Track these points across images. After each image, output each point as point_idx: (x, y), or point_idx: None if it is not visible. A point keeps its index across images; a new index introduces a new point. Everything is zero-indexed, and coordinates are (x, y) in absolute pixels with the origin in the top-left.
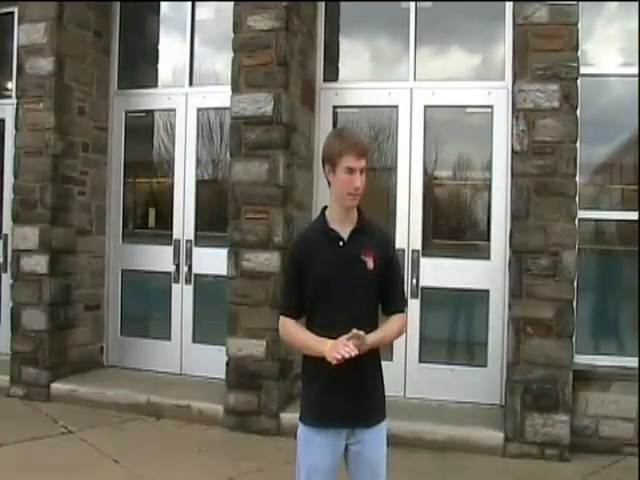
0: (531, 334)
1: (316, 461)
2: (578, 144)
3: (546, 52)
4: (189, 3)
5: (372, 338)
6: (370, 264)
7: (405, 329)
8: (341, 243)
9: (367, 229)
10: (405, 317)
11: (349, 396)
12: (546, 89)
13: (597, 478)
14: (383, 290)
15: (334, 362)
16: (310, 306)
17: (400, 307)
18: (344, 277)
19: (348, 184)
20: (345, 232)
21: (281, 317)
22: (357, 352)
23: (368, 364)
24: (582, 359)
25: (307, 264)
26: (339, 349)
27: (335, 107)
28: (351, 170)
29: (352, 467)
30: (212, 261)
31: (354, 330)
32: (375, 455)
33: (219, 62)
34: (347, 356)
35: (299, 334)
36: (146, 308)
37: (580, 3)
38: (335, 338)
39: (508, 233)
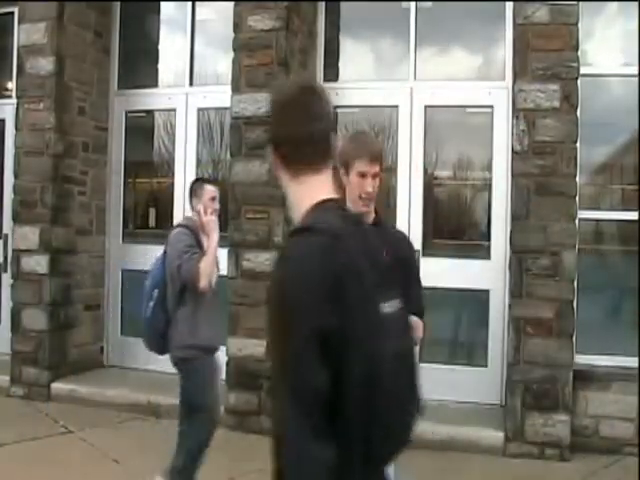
0: (531, 334)
1: None
2: (578, 144)
3: (546, 52)
4: (189, 3)
5: None
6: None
7: (419, 335)
8: None
9: (381, 227)
10: (421, 323)
11: None
12: (546, 89)
13: (597, 478)
14: None
15: None
16: None
17: (414, 309)
18: None
19: (360, 188)
20: None
21: None
22: None
23: None
24: (582, 359)
25: None
26: None
27: (335, 107)
28: (363, 175)
29: None
30: None
31: None
32: None
33: (219, 62)
34: None
35: None
36: None
37: (580, 3)
38: None
39: (508, 233)
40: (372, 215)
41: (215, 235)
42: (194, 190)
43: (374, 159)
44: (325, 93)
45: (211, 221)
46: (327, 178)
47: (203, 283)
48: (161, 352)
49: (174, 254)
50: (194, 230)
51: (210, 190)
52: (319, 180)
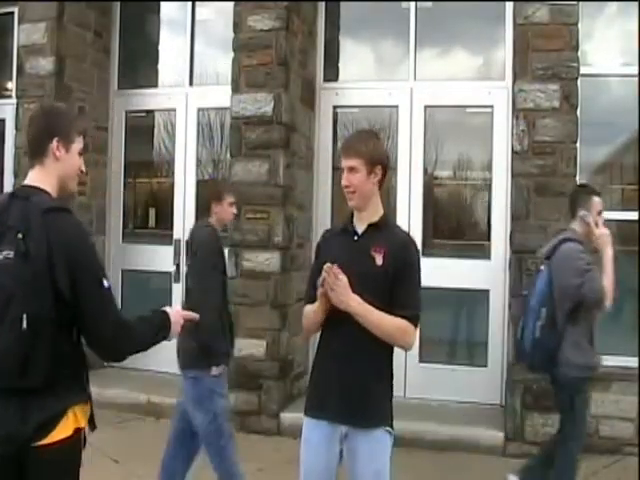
0: None
1: (311, 463)
2: (578, 144)
3: (546, 52)
4: (189, 3)
5: (362, 304)
6: (379, 260)
7: (409, 340)
8: (356, 237)
9: (384, 228)
10: (412, 329)
11: (347, 391)
12: (546, 89)
13: (597, 478)
14: (392, 292)
15: (331, 295)
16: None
17: (407, 313)
18: (350, 269)
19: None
20: (362, 228)
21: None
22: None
23: (372, 368)
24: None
25: (323, 255)
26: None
27: (335, 107)
28: (342, 169)
29: (348, 477)
30: None
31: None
32: (368, 469)
33: (219, 62)
34: (331, 286)
35: (308, 308)
36: (146, 308)
37: (580, 3)
38: (338, 326)
39: (508, 233)
40: (378, 214)
41: (610, 250)
42: (579, 199)
43: (347, 154)
44: (49, 111)
45: (605, 235)
46: (39, 171)
47: (609, 302)
48: (549, 372)
49: (572, 272)
50: (582, 243)
51: (597, 202)
52: (32, 173)
